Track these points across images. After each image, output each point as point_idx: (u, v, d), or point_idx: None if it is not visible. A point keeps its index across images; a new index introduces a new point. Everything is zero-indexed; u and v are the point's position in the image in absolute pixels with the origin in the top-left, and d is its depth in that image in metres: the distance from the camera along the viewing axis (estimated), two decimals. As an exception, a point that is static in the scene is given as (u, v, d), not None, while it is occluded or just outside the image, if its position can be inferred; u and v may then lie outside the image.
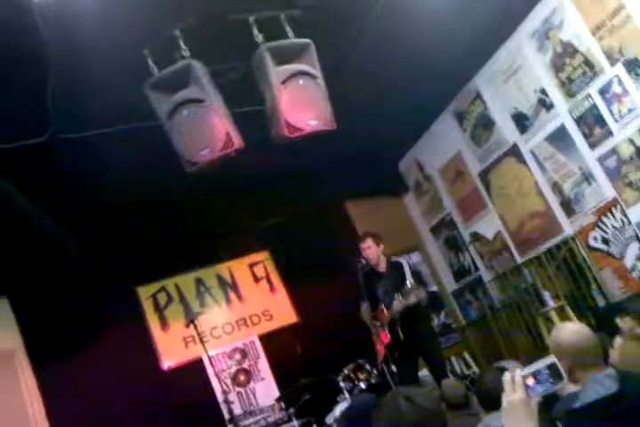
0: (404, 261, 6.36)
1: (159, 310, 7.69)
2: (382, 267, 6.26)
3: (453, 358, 8.27)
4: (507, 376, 1.85)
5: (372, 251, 6.18)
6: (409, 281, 5.99)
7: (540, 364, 1.84)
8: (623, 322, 4.94)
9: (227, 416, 6.82)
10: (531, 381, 1.83)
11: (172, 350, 7.54)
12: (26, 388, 6.76)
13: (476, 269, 8.17)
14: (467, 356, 8.27)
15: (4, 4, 3.61)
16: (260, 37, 4.42)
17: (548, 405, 2.51)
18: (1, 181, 4.86)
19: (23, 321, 6.95)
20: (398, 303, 5.88)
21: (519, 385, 1.82)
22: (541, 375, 1.83)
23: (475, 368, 8.03)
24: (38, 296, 6.82)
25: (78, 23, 3.86)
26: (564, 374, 1.83)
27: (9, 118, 4.39)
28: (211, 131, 4.48)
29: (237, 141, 4.53)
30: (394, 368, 5.88)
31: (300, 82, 4.64)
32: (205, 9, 4.18)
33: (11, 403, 6.61)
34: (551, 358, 1.85)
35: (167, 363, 7.50)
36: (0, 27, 3.72)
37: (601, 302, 6.46)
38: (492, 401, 3.42)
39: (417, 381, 6.25)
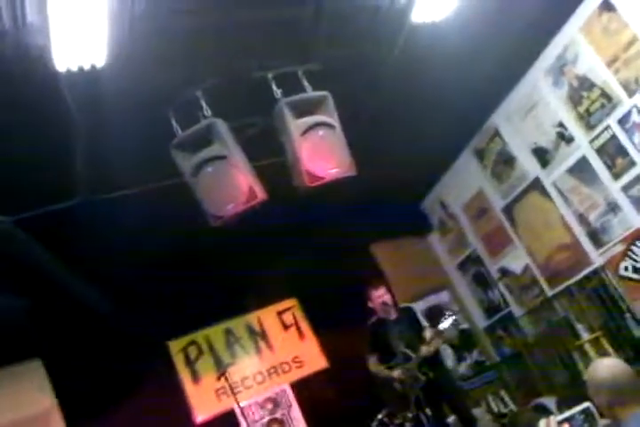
0: (413, 305, 6.45)
1: (190, 363, 7.70)
2: (393, 315, 6.32)
3: (490, 397, 8.12)
4: (542, 423, 1.81)
5: (388, 297, 6.26)
6: (426, 325, 6.16)
7: (575, 409, 1.87)
8: None
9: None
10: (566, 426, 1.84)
11: (204, 403, 7.51)
12: None
13: (507, 304, 8.05)
14: (503, 394, 8.12)
15: (32, 75, 3.71)
16: (278, 93, 4.53)
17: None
18: (33, 244, 4.91)
19: (57, 382, 6.96)
20: (430, 348, 5.96)
21: None
22: (576, 421, 1.85)
23: (512, 406, 7.87)
24: (71, 357, 6.80)
25: (102, 88, 3.96)
26: (598, 419, 1.84)
27: (37, 184, 4.46)
28: (234, 186, 4.57)
29: (260, 194, 4.62)
30: (428, 411, 5.86)
31: (320, 133, 4.74)
32: (225, 69, 4.28)
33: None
34: (585, 404, 1.87)
35: (200, 416, 7.46)
36: (28, 95, 3.83)
37: (637, 332, 6.31)
38: None
39: (447, 425, 6.23)
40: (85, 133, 4.24)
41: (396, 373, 6.05)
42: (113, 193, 5.01)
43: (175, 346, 7.72)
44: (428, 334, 6.08)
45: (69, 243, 5.31)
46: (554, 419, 1.84)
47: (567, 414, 1.85)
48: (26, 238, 4.75)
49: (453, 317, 5.96)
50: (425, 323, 6.27)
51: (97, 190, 4.90)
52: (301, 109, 4.66)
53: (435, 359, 6.18)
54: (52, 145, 4.25)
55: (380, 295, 6.27)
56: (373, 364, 6.30)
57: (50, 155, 4.29)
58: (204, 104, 4.32)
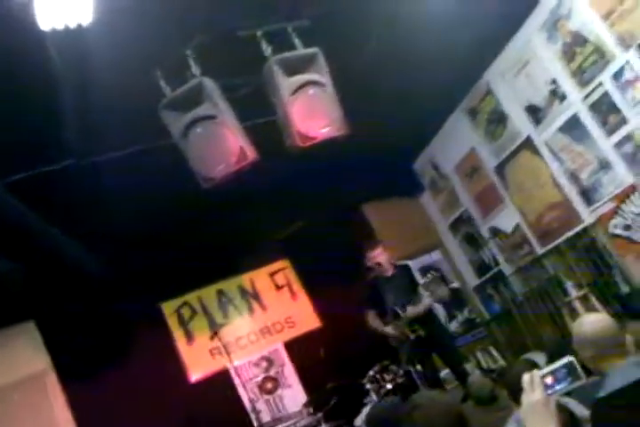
0: (409, 262, 6.49)
1: (184, 324, 7.81)
2: (389, 272, 6.37)
3: (479, 353, 8.26)
4: (525, 377, 1.86)
5: (383, 257, 6.30)
6: (421, 281, 6.19)
7: (558, 363, 1.86)
8: None
9: (255, 424, 6.87)
10: (549, 379, 1.85)
11: (198, 363, 7.64)
12: (56, 408, 6.89)
13: (497, 263, 8.12)
14: (492, 350, 8.26)
15: (17, 35, 3.61)
16: (268, 50, 4.43)
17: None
18: (23, 207, 4.89)
19: (51, 343, 7.02)
20: (417, 308, 6.06)
21: (538, 385, 1.83)
22: (560, 374, 1.85)
23: (501, 362, 8.02)
24: (64, 318, 6.84)
25: (89, 48, 3.88)
26: (581, 373, 1.84)
27: (26, 146, 4.43)
28: (224, 146, 4.51)
29: (251, 154, 4.55)
30: (419, 367, 5.95)
31: (310, 91, 4.65)
32: (213, 26, 4.17)
33: (42, 424, 6.75)
34: (568, 358, 1.87)
35: (194, 375, 7.61)
36: (14, 56, 3.74)
37: (625, 288, 6.39)
38: (521, 393, 3.43)
39: (439, 378, 6.38)
40: (73, 94, 4.16)
41: (388, 329, 6.16)
42: (103, 155, 4.95)
43: (168, 307, 7.82)
44: (422, 291, 6.14)
45: (60, 206, 5.28)
46: (537, 373, 1.85)
47: (550, 368, 1.86)
48: (16, 202, 4.71)
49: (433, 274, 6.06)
50: (420, 280, 6.30)
51: (86, 152, 4.84)
52: (292, 67, 4.56)
53: (428, 316, 6.25)
54: (40, 107, 4.17)
55: (374, 256, 6.30)
56: (372, 319, 6.40)
57: (38, 117, 4.22)
58: (192, 63, 4.23)
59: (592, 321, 2.64)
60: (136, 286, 7.05)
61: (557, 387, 1.84)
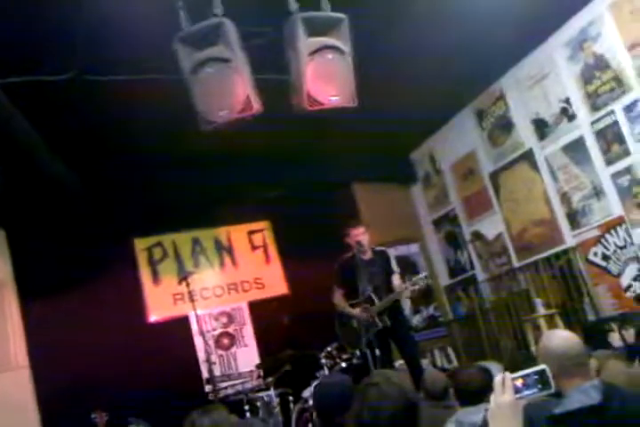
0: (388, 250, 6.47)
1: (153, 263, 7.79)
2: (367, 255, 6.31)
3: (436, 351, 8.35)
4: (498, 378, 1.88)
5: (365, 238, 6.26)
6: (397, 271, 6.18)
7: (531, 369, 1.89)
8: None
9: (205, 376, 6.93)
10: (519, 383, 1.88)
11: (160, 305, 7.66)
12: (10, 319, 6.85)
13: (472, 267, 8.22)
14: (449, 351, 8.35)
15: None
16: (295, 6, 4.39)
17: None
18: (14, 112, 4.84)
19: (17, 254, 7.01)
20: (407, 291, 6.01)
21: (509, 388, 1.86)
22: (530, 380, 1.88)
23: (455, 364, 8.10)
24: (36, 232, 6.84)
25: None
26: (552, 383, 1.87)
27: (37, 52, 4.42)
28: (232, 92, 4.40)
29: (256, 106, 4.42)
30: (377, 353, 5.96)
31: (329, 56, 4.52)
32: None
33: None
34: (542, 366, 1.90)
35: (153, 316, 7.62)
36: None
37: (591, 317, 6.50)
38: (467, 396, 3.48)
39: (393, 367, 6.36)
40: (92, 11, 4.14)
41: (357, 311, 6.09)
42: (106, 76, 4.88)
43: (141, 243, 7.79)
44: (395, 280, 6.11)
45: (52, 118, 5.24)
46: (509, 375, 1.87)
47: (522, 372, 1.88)
48: (8, 103, 4.68)
49: (425, 275, 6.06)
50: (396, 268, 6.27)
51: (89, 68, 4.77)
52: (315, 28, 4.47)
53: (396, 308, 6.22)
54: (57, 16, 4.17)
55: (356, 234, 6.20)
56: (337, 297, 6.36)
57: (53, 24, 4.22)
58: (216, 1, 4.20)
59: (562, 337, 2.62)
60: (114, 216, 7.03)
61: (526, 392, 1.87)
